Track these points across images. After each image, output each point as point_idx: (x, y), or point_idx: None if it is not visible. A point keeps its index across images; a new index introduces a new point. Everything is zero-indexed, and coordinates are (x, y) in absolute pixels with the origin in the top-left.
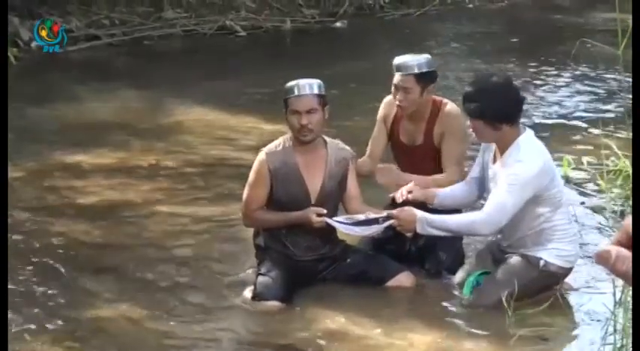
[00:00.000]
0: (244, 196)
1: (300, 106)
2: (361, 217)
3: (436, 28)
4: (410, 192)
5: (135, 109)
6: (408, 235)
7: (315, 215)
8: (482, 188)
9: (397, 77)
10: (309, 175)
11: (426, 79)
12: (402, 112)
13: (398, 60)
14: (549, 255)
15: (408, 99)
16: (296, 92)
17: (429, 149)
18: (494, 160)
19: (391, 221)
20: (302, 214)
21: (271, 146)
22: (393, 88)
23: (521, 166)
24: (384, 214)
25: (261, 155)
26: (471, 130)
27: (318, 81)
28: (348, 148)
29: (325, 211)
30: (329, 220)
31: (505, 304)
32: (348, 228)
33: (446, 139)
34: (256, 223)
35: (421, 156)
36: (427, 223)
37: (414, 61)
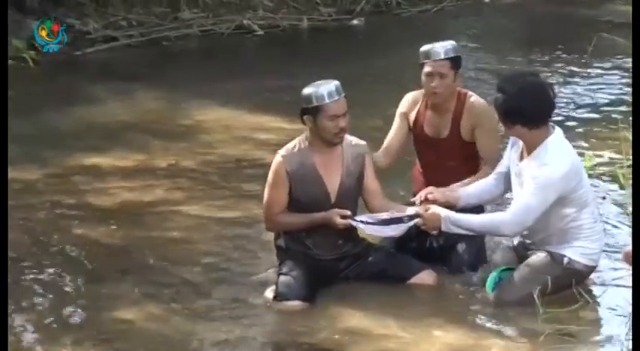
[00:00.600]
0: (265, 200)
1: (339, 110)
2: (385, 215)
3: (453, 24)
4: (430, 193)
5: (153, 109)
6: (433, 233)
7: (338, 217)
8: (508, 184)
9: (430, 65)
10: (327, 175)
11: (458, 63)
12: (435, 100)
13: (427, 47)
14: (574, 253)
15: (443, 84)
16: (336, 97)
17: (455, 142)
18: (521, 158)
19: (416, 220)
20: (325, 216)
21: (287, 148)
22: (424, 77)
23: (547, 169)
24: (410, 212)
25: (278, 158)
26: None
27: (336, 82)
28: (362, 142)
29: (349, 213)
30: (354, 222)
31: (534, 301)
32: (372, 228)
33: (479, 133)
34: (279, 227)
35: (446, 148)
36: (451, 221)
37: (444, 46)
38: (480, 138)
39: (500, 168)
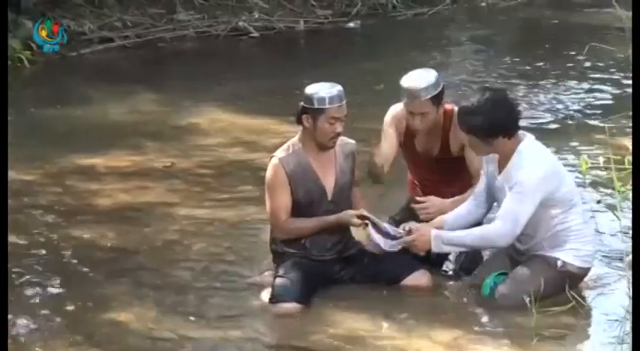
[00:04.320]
0: (269, 207)
1: (338, 114)
2: (387, 228)
3: (448, 28)
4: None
5: (149, 111)
6: (421, 254)
7: (355, 217)
8: (490, 201)
9: (411, 104)
10: (322, 173)
11: (440, 97)
12: (418, 134)
13: (407, 83)
14: (567, 255)
15: (426, 121)
16: (338, 103)
17: (447, 159)
18: (500, 171)
19: (404, 239)
20: (340, 217)
21: (281, 151)
22: (407, 114)
23: (524, 172)
24: (406, 229)
25: (274, 161)
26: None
27: (339, 86)
28: (352, 141)
29: (366, 213)
30: (371, 229)
31: (525, 304)
32: (377, 238)
33: (468, 150)
34: (290, 233)
35: (440, 165)
36: (443, 241)
37: (424, 83)
38: (468, 153)
39: (480, 187)
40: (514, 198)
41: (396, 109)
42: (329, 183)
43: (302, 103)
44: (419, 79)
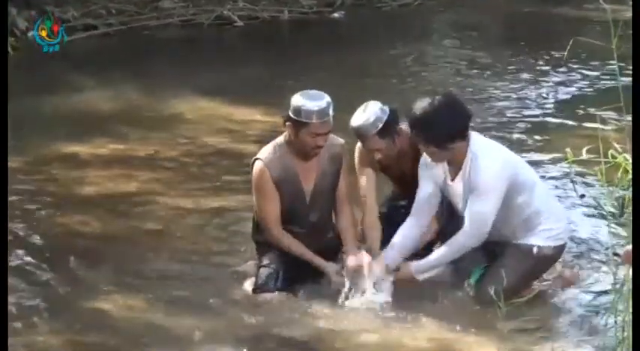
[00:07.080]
0: (260, 214)
1: (323, 129)
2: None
3: (434, 19)
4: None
5: (133, 99)
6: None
7: (335, 274)
8: (429, 211)
9: (362, 143)
10: (304, 176)
11: (389, 128)
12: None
13: (354, 123)
14: (540, 239)
15: (385, 152)
16: (324, 118)
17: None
18: (453, 177)
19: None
20: (325, 266)
21: (266, 154)
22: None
23: (486, 171)
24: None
25: (259, 165)
26: (425, 154)
27: (328, 98)
28: (340, 141)
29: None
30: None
31: (511, 296)
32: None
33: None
34: (278, 244)
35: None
36: (423, 269)
37: (368, 121)
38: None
39: (420, 203)
40: (480, 198)
41: (362, 148)
42: (308, 186)
43: (289, 112)
44: (360, 117)
